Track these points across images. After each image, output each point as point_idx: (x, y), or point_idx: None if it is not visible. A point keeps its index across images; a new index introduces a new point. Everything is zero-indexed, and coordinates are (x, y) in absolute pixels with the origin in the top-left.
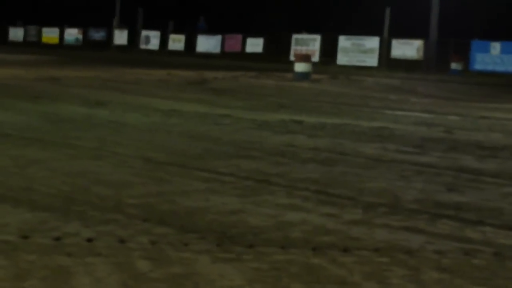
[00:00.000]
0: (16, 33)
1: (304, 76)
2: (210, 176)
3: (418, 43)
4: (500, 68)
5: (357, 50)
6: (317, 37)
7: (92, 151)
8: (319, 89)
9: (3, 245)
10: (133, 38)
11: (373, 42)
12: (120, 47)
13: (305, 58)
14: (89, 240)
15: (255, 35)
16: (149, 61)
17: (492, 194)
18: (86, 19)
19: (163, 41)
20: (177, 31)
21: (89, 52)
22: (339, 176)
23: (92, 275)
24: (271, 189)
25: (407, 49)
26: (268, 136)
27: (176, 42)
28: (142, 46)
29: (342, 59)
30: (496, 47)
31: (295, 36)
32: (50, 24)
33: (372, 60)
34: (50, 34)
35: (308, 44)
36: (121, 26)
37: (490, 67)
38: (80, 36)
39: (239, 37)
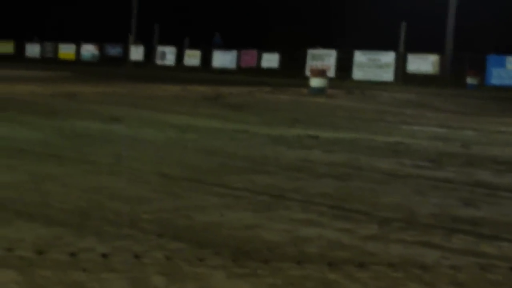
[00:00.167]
0: (33, 49)
1: (319, 91)
2: (225, 191)
3: (433, 58)
4: None
5: (373, 65)
6: (333, 52)
7: (108, 167)
8: (335, 104)
9: (19, 261)
10: (149, 54)
11: (388, 57)
12: (136, 63)
13: (321, 73)
14: (104, 255)
15: (270, 50)
16: (165, 77)
17: (508, 208)
18: (103, 35)
19: (179, 57)
20: (193, 46)
21: (106, 68)
22: (355, 191)
23: None
24: (286, 204)
25: (422, 63)
26: (284, 151)
27: (192, 57)
28: (158, 62)
29: (357, 74)
30: None
31: (310, 51)
32: (67, 40)
33: (387, 75)
34: (66, 50)
35: (323, 59)
36: (137, 42)
37: (506, 82)
38: (97, 52)
39: (254, 52)
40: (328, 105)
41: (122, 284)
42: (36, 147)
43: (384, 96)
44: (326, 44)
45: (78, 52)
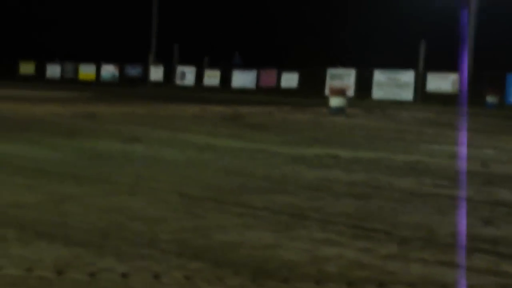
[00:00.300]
0: (53, 70)
1: (339, 110)
2: (245, 211)
3: (453, 77)
4: None
5: (392, 84)
6: (352, 71)
7: (128, 187)
8: (354, 123)
9: (39, 281)
10: (169, 74)
11: (408, 76)
12: (156, 83)
13: (340, 92)
14: (124, 275)
15: (290, 69)
16: (184, 97)
17: None
18: (122, 56)
19: (199, 77)
20: (212, 66)
21: (125, 88)
22: (374, 210)
23: None
24: (306, 223)
25: (442, 82)
26: (303, 170)
27: (212, 77)
28: (178, 82)
29: (377, 93)
30: None
31: (330, 71)
32: (87, 61)
33: (407, 94)
34: (86, 71)
35: (343, 78)
36: (156, 62)
37: None
38: (117, 73)
39: (274, 72)
40: (348, 124)
41: None
42: (56, 167)
43: (404, 115)
44: (345, 63)
45: (98, 72)
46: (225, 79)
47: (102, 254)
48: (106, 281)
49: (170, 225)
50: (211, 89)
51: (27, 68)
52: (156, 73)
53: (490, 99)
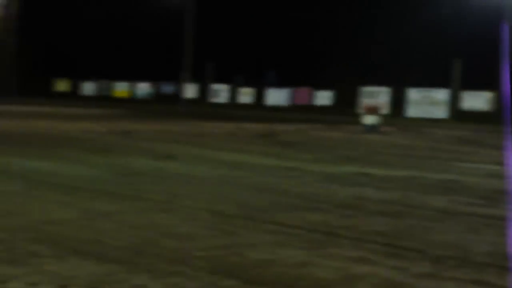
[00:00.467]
0: (88, 88)
1: (372, 128)
2: (277, 229)
3: (488, 95)
4: None
5: (426, 102)
6: (386, 90)
7: (161, 204)
8: (388, 141)
9: None
10: (203, 91)
11: (442, 94)
12: (190, 100)
13: (374, 110)
14: None
15: (324, 87)
16: (218, 114)
17: None
18: (157, 74)
19: (233, 94)
20: (246, 84)
21: (160, 106)
22: (407, 229)
23: None
24: (339, 241)
25: (477, 100)
26: (336, 188)
27: (246, 95)
28: (212, 100)
29: (411, 111)
30: None
31: (363, 89)
32: (122, 79)
33: (441, 112)
34: (121, 88)
35: (376, 96)
36: (191, 80)
37: None
38: (151, 90)
39: (308, 90)
40: (381, 142)
41: None
42: (90, 184)
43: (438, 133)
44: (379, 81)
45: (132, 90)
46: (259, 97)
47: (135, 271)
48: None
49: (202, 242)
50: (245, 106)
51: (62, 85)
52: (190, 91)
53: None
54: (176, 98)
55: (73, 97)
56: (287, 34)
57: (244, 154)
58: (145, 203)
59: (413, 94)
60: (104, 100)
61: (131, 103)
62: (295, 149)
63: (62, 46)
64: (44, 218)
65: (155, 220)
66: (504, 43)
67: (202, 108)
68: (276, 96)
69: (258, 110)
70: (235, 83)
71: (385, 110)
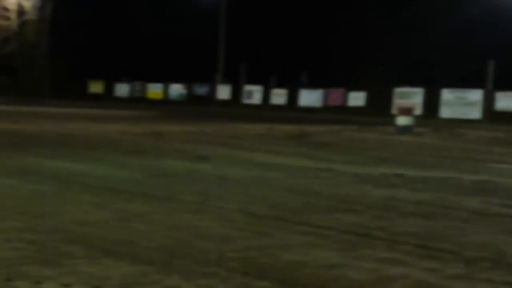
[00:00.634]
0: (121, 89)
1: (406, 129)
2: (310, 230)
3: None
4: None
5: (460, 103)
6: (420, 90)
7: (194, 205)
8: (421, 142)
9: None
10: (236, 93)
11: (476, 95)
12: (223, 101)
13: (408, 111)
14: None
15: (357, 88)
16: (251, 116)
17: None
18: (190, 75)
19: (266, 96)
20: (279, 85)
21: (193, 107)
22: (441, 230)
23: None
24: (371, 243)
25: (511, 101)
26: (369, 189)
27: (278, 96)
28: (245, 101)
29: (445, 112)
30: None
31: (397, 90)
32: (155, 80)
33: (475, 113)
34: (154, 90)
35: (410, 97)
36: (224, 81)
37: None
38: (184, 91)
39: (341, 91)
40: (415, 143)
41: None
42: (123, 185)
43: (472, 134)
44: (413, 82)
45: (166, 91)
46: (292, 98)
47: (168, 272)
48: None
49: (235, 243)
50: (277, 108)
51: (96, 87)
52: (223, 92)
53: None
54: (209, 99)
55: (107, 98)
56: (319, 35)
57: (277, 155)
58: (178, 204)
59: (447, 95)
60: (137, 101)
61: (164, 104)
62: (327, 150)
63: (96, 47)
64: (77, 219)
65: (187, 221)
66: None
67: (235, 109)
68: (309, 97)
69: (291, 111)
70: (269, 84)
71: (418, 111)
